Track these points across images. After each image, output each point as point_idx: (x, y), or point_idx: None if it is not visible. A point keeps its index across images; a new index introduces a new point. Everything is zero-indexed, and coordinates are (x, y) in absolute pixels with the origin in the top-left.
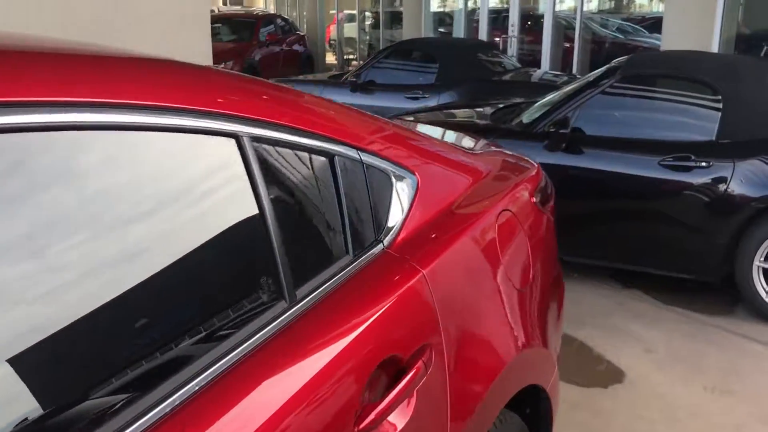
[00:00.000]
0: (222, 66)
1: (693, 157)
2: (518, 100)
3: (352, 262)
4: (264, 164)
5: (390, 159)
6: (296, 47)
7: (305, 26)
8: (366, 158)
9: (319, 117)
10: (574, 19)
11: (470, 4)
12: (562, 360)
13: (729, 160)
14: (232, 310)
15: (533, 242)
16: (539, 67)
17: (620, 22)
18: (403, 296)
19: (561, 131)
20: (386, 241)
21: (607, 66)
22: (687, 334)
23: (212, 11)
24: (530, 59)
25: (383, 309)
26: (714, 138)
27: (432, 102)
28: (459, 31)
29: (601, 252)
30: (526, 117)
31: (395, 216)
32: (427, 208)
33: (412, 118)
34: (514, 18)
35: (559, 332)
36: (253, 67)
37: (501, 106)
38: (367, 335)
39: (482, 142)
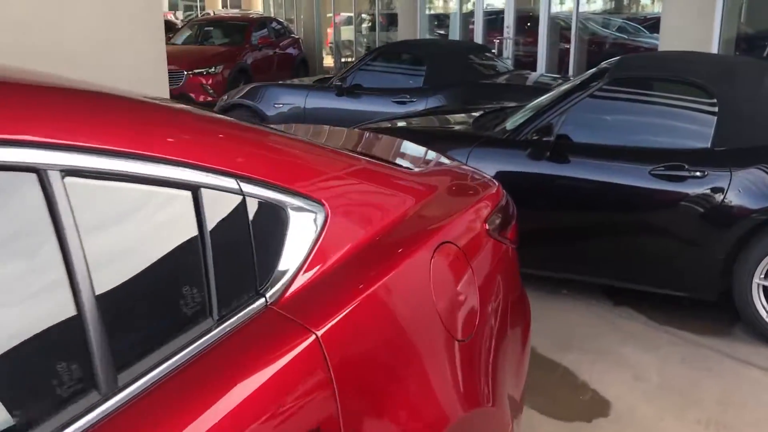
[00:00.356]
0: (212, 70)
1: (686, 166)
2: (510, 104)
3: (215, 327)
4: (81, 205)
5: (287, 187)
6: (290, 50)
7: (302, 29)
8: (249, 188)
9: (182, 138)
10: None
11: (469, 6)
12: (543, 389)
13: (725, 169)
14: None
15: (484, 280)
16: (535, 70)
17: (621, 21)
18: (284, 370)
19: (544, 139)
20: (271, 294)
21: (596, 68)
22: (681, 359)
23: (207, 14)
24: (528, 61)
25: (250, 392)
26: (709, 145)
27: (420, 106)
28: (455, 33)
29: (590, 268)
30: (510, 123)
31: (289, 260)
32: (338, 247)
33: (389, 124)
34: (509, 19)
35: (520, 379)
36: (245, 71)
37: (485, 111)
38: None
39: (435, 156)
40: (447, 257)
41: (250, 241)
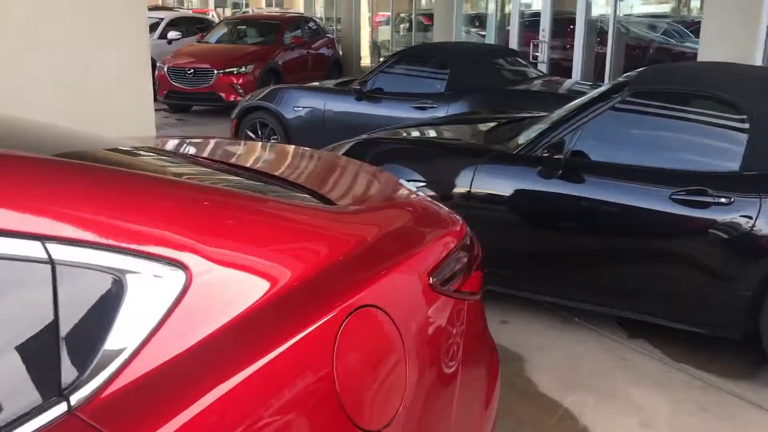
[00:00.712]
0: (243, 69)
1: (711, 191)
2: (537, 113)
3: None
4: None
5: (127, 248)
6: (323, 51)
7: (341, 29)
8: (63, 253)
9: None
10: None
11: (508, 8)
12: None
13: (755, 195)
14: None
15: (421, 349)
16: (570, 76)
17: (667, 25)
18: None
19: (556, 156)
20: (78, 397)
21: (616, 80)
22: (697, 405)
23: (245, 12)
24: (566, 66)
25: None
26: (738, 168)
27: (441, 112)
28: (491, 35)
29: (603, 297)
30: (524, 137)
31: (116, 347)
32: (198, 325)
33: (403, 133)
34: (545, 22)
35: None
36: (276, 71)
37: (500, 122)
38: None
39: (385, 184)
40: (365, 325)
41: (55, 324)
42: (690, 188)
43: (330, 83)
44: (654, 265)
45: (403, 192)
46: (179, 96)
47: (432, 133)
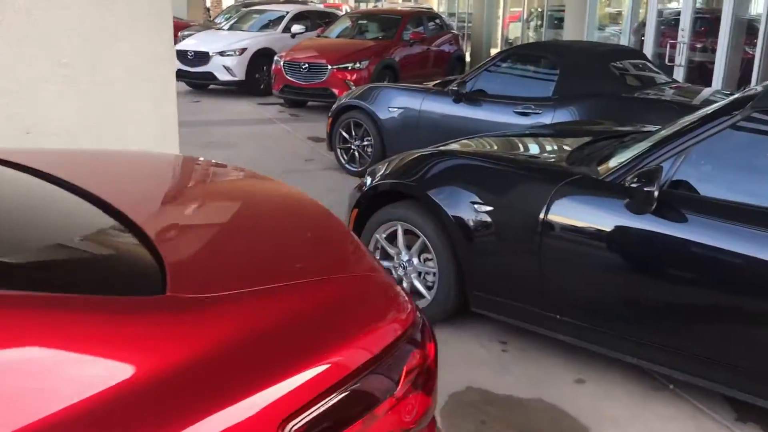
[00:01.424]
0: (357, 65)
1: None
2: (651, 128)
3: None
4: None
5: None
6: (445, 48)
7: (470, 25)
8: None
9: None
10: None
11: (644, 5)
12: None
13: None
14: None
15: None
16: (710, 83)
17: None
18: None
19: (647, 189)
20: None
21: (737, 95)
22: None
23: (374, 5)
24: (707, 71)
25: None
26: None
27: (545, 119)
28: (625, 35)
29: (702, 368)
30: (618, 158)
31: None
32: None
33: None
34: (685, 21)
35: None
36: (392, 68)
37: (594, 139)
38: None
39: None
40: None
41: None
42: None
43: (429, 83)
44: None
45: (331, 269)
46: (293, 91)
47: (511, 147)
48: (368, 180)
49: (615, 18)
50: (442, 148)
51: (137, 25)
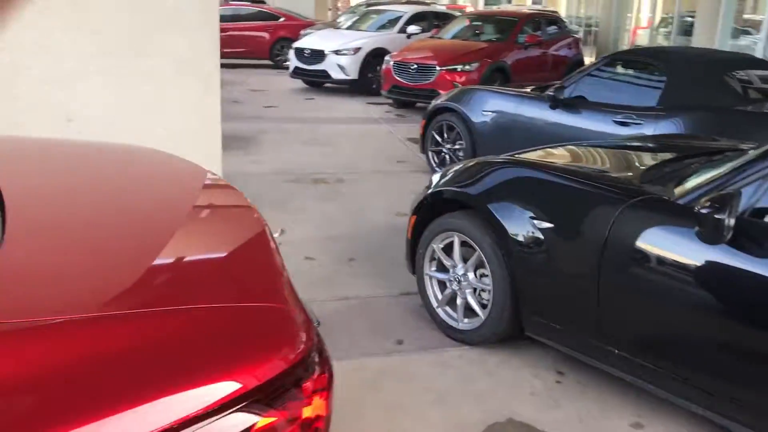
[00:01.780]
0: (466, 67)
1: None
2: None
3: None
4: None
5: None
6: (563, 52)
7: (597, 30)
8: None
9: None
10: None
11: None
12: None
13: None
14: None
15: None
16: None
17: None
18: None
19: (717, 216)
20: None
21: None
22: None
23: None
24: None
25: None
26: None
27: (647, 130)
28: (759, 45)
29: None
30: (696, 179)
31: None
32: None
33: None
34: None
35: None
36: (503, 71)
37: (679, 155)
38: None
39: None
40: None
41: None
42: None
43: (527, 88)
44: None
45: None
46: (400, 91)
47: (594, 159)
48: (434, 180)
49: (756, 25)
50: (517, 156)
51: (183, 18)
